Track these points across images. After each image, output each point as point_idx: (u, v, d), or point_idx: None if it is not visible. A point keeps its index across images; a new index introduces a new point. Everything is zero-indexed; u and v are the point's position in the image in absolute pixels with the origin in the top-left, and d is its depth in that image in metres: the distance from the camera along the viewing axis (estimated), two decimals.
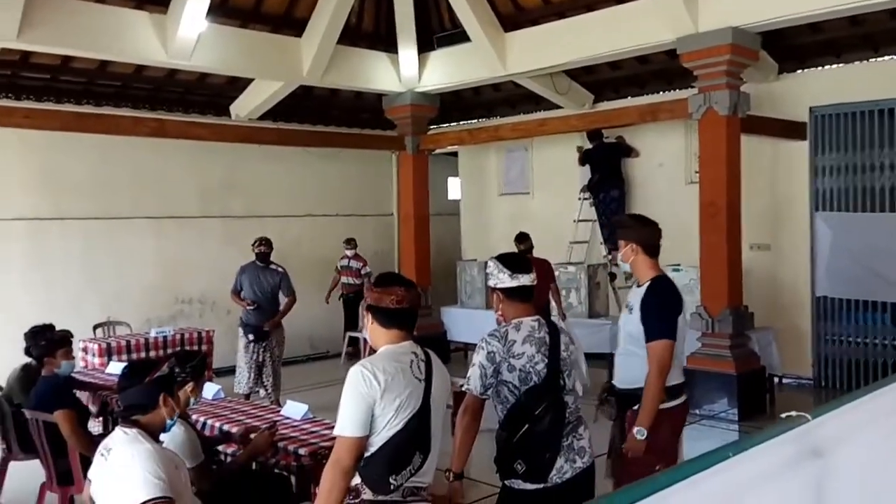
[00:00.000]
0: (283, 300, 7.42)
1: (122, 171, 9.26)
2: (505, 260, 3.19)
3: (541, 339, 3.09)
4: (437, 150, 10.94)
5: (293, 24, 8.78)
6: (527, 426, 2.98)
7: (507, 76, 9.03)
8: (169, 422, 2.96)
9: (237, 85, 9.59)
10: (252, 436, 3.94)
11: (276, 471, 3.97)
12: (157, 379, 2.91)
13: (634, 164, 9.72)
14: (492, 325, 3.30)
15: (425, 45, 9.62)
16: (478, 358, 3.07)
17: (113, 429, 3.40)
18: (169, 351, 7.27)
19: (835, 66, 8.15)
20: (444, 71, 9.60)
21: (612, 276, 9.21)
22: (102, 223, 9.11)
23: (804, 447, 1.19)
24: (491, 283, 3.21)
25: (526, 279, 3.15)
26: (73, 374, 5.38)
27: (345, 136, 10.86)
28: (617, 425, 3.72)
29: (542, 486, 3.01)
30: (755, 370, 7.42)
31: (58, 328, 5.11)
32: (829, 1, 6.36)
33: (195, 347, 7.53)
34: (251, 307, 7.22)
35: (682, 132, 9.11)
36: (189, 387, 3.44)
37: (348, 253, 10.54)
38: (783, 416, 1.23)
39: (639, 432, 3.42)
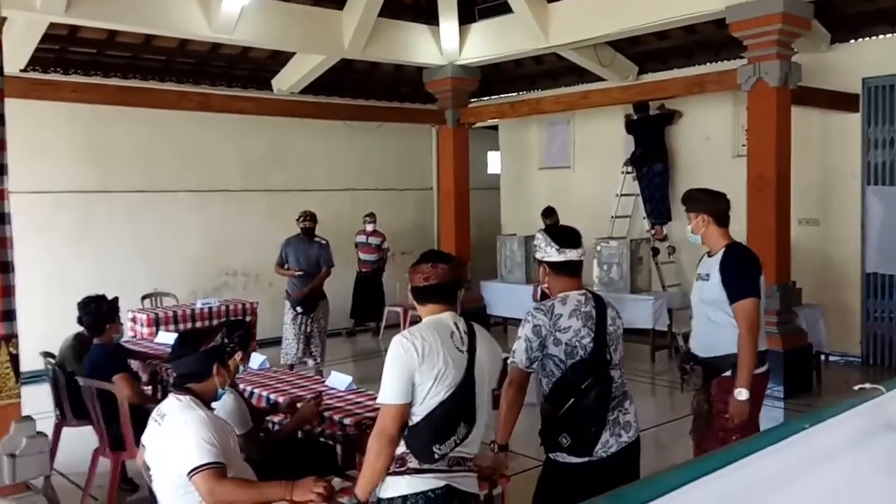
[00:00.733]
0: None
1: (166, 144, 9.40)
2: (553, 233, 3.17)
3: (587, 314, 3.07)
4: (478, 124, 10.87)
5: None
6: (572, 400, 2.98)
7: (549, 48, 8.90)
8: (220, 391, 3.02)
9: (279, 59, 9.63)
10: (298, 405, 4.00)
11: (322, 440, 4.03)
12: (211, 349, 2.97)
13: (679, 137, 9.55)
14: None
15: (467, 17, 9.52)
16: (523, 331, 3.06)
17: (163, 397, 3.48)
18: (215, 322, 7.40)
19: (888, 35, 7.87)
20: (486, 43, 9.49)
21: (655, 251, 9.11)
22: (148, 196, 9.27)
23: (878, 420, 1.17)
24: (538, 255, 3.19)
25: (573, 254, 3.12)
26: (122, 343, 5.52)
27: (385, 110, 10.85)
28: (702, 393, 3.73)
29: (586, 459, 3.02)
30: (802, 347, 7.29)
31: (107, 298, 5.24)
32: None
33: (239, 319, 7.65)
34: (299, 273, 7.29)
35: (729, 104, 8.90)
36: (238, 356, 3.50)
37: (368, 228, 10.32)
38: (856, 388, 1.21)
39: (739, 394, 3.47)
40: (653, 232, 9.47)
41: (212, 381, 2.95)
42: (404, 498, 2.57)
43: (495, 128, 12.03)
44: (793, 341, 7.14)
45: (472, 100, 10.82)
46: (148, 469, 2.90)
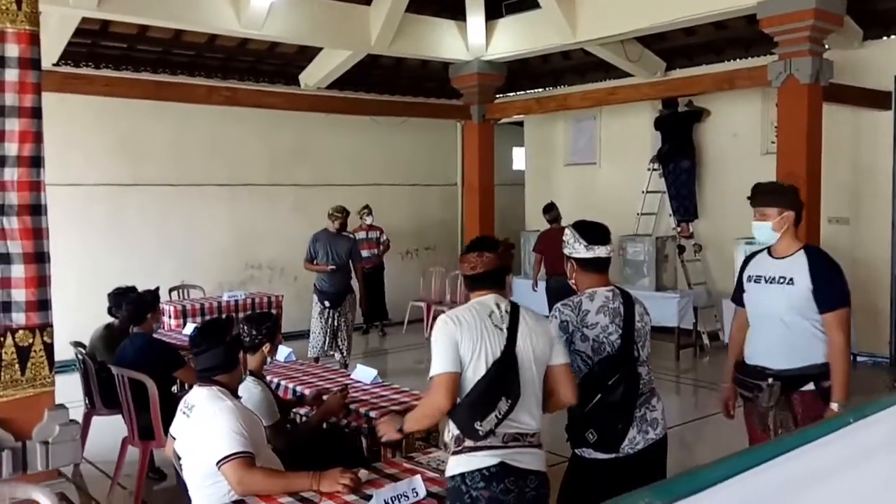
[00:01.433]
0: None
1: (195, 139, 9.51)
2: (582, 229, 3.15)
3: (615, 310, 3.06)
4: (503, 120, 10.85)
5: None
6: (599, 396, 2.97)
7: (577, 43, 8.84)
8: (242, 377, 3.06)
9: (306, 54, 9.69)
10: (324, 397, 4.03)
11: (347, 431, 4.05)
12: (235, 338, 3.01)
13: (707, 134, 9.46)
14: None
15: (493, 12, 9.49)
16: (550, 327, 3.06)
17: (190, 387, 3.53)
18: (241, 315, 7.46)
19: None
20: (513, 38, 9.46)
21: (681, 249, 9.04)
22: (177, 189, 9.38)
23: None
24: (566, 251, 3.18)
25: (602, 251, 3.11)
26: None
27: (410, 105, 10.86)
28: (784, 409, 3.34)
29: (613, 455, 3.01)
30: None
31: (138, 290, 5.32)
32: None
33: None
34: (332, 268, 7.31)
35: (758, 101, 8.80)
36: (266, 347, 3.54)
37: (366, 221, 9.96)
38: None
39: (838, 407, 3.23)
40: (679, 229, 9.39)
41: (238, 371, 2.99)
42: (463, 476, 2.63)
43: (520, 123, 11.99)
44: None
45: (498, 95, 10.79)
46: (178, 458, 2.94)
